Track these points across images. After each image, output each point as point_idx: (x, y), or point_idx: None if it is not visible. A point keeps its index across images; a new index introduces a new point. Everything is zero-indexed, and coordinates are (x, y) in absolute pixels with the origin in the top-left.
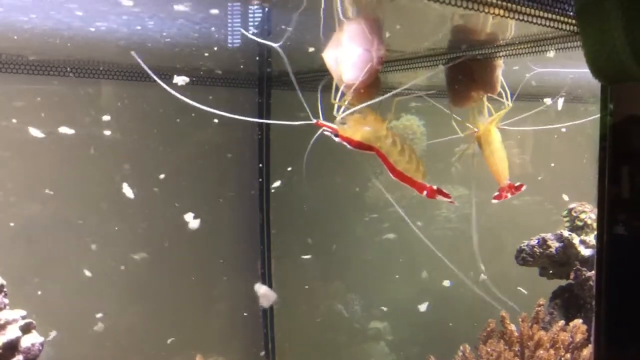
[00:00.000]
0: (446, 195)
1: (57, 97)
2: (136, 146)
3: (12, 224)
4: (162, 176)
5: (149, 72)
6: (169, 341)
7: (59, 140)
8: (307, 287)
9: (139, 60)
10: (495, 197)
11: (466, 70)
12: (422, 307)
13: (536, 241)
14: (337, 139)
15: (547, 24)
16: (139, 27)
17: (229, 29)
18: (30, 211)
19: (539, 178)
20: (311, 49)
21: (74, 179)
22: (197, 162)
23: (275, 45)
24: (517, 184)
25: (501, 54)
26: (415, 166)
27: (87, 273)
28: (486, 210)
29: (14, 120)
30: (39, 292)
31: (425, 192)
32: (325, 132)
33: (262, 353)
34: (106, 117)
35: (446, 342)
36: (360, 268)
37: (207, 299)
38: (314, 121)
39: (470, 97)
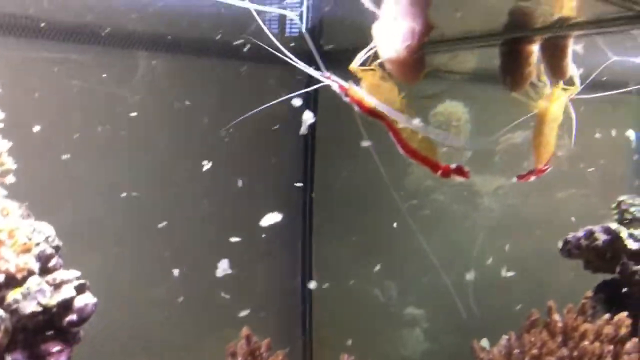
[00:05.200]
0: (464, 175)
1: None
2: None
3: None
4: (205, 164)
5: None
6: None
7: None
8: (346, 269)
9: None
10: (519, 177)
11: (525, 52)
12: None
13: (583, 233)
14: (346, 99)
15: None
16: None
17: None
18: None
19: (590, 170)
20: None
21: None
22: (240, 139)
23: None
24: (546, 166)
25: (562, 33)
26: (428, 145)
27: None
28: (529, 201)
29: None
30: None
31: (439, 172)
32: (334, 89)
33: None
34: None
35: (482, 332)
36: (398, 254)
37: (245, 277)
38: (326, 74)
39: (527, 81)
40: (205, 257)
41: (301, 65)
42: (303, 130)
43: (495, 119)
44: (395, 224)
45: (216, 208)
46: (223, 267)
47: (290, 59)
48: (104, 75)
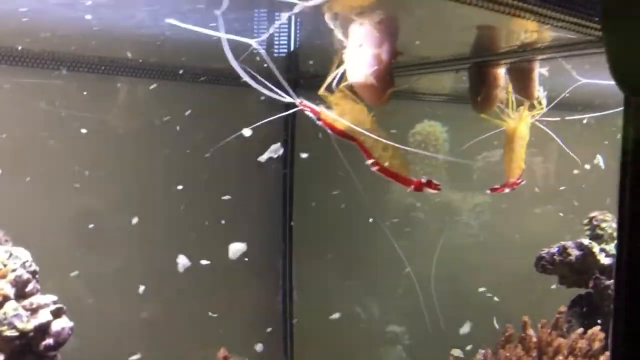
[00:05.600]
0: (436, 188)
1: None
2: (159, 149)
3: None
4: (180, 187)
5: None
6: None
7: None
8: (326, 288)
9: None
10: (492, 189)
11: (492, 75)
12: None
13: (556, 249)
14: (318, 122)
15: (573, 28)
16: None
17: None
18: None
19: (561, 188)
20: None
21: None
22: (219, 162)
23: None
24: (519, 180)
25: (524, 58)
26: (400, 162)
27: (110, 265)
28: (507, 217)
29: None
30: (66, 282)
31: (412, 187)
32: (307, 113)
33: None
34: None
35: (461, 346)
36: (379, 272)
37: (227, 297)
38: (298, 101)
39: (495, 103)
40: (189, 282)
41: (272, 93)
42: (263, 157)
43: (473, 138)
44: (375, 242)
45: (196, 232)
46: (183, 263)
47: (261, 86)
48: (82, 100)
